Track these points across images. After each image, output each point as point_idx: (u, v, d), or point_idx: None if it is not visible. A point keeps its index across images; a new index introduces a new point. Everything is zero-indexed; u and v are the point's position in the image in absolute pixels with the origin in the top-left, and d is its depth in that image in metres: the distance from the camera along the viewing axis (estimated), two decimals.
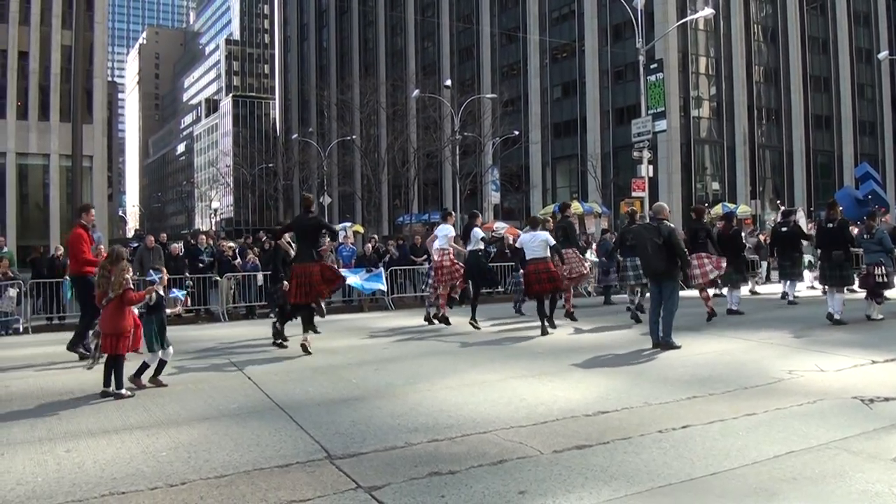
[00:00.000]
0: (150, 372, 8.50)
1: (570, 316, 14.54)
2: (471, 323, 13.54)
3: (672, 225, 11.01)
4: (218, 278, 18.06)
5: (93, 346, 9.52)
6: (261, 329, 13.93)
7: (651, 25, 52.24)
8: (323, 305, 11.94)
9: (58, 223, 36.29)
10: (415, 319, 15.21)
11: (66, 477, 5.26)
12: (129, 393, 8.06)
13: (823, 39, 70.27)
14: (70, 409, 7.48)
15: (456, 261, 13.85)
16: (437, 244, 14.02)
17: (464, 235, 14.12)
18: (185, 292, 17.65)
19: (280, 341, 11.93)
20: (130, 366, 8.36)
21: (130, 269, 8.47)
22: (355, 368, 9.58)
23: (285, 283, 11.87)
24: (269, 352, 11.47)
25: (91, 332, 10.36)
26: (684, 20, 46.86)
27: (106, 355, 8.16)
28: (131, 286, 8.31)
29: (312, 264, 11.06)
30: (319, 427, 6.45)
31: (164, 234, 22.88)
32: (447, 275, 13.73)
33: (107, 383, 8.08)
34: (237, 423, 6.78)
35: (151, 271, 9.06)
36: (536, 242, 13.01)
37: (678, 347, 10.32)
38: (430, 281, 14.68)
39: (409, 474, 5.13)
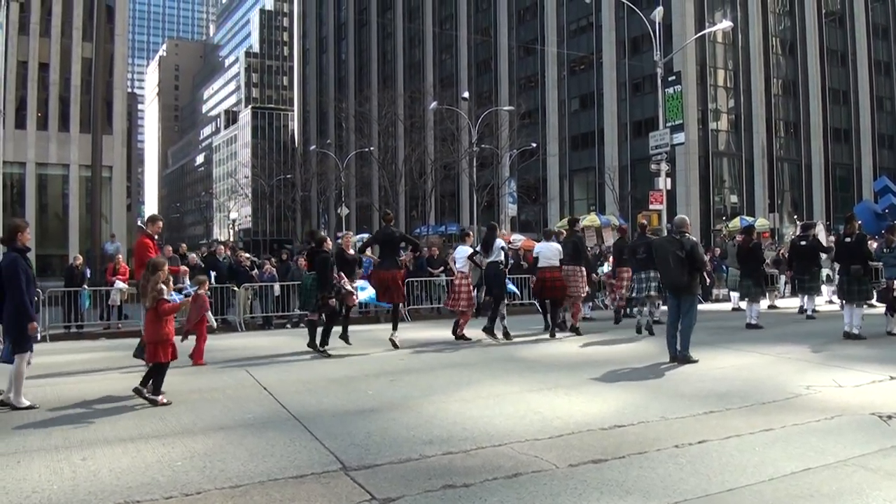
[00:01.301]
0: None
1: (574, 330, 14.46)
2: (484, 329, 13.65)
3: (694, 239, 10.96)
4: (236, 288, 18.13)
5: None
6: (277, 339, 13.98)
7: (669, 38, 52.13)
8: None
9: (77, 233, 36.65)
10: (431, 331, 15.21)
11: (82, 485, 5.28)
12: (164, 400, 8.15)
13: (842, 52, 69.91)
14: (86, 418, 7.52)
15: (470, 289, 14.00)
16: (458, 266, 14.27)
17: (484, 247, 14.04)
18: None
19: (324, 349, 12.27)
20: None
21: (166, 280, 8.64)
22: (371, 380, 9.59)
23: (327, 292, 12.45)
24: (285, 362, 11.51)
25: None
26: (702, 33, 46.79)
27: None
28: (165, 297, 8.42)
29: (395, 271, 12.85)
30: (334, 438, 6.45)
31: (184, 245, 23.05)
32: (465, 300, 13.84)
33: (154, 392, 8.20)
34: (252, 432, 6.79)
35: (187, 284, 9.24)
36: (551, 252, 13.40)
37: (695, 362, 10.27)
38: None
39: (424, 487, 5.12)
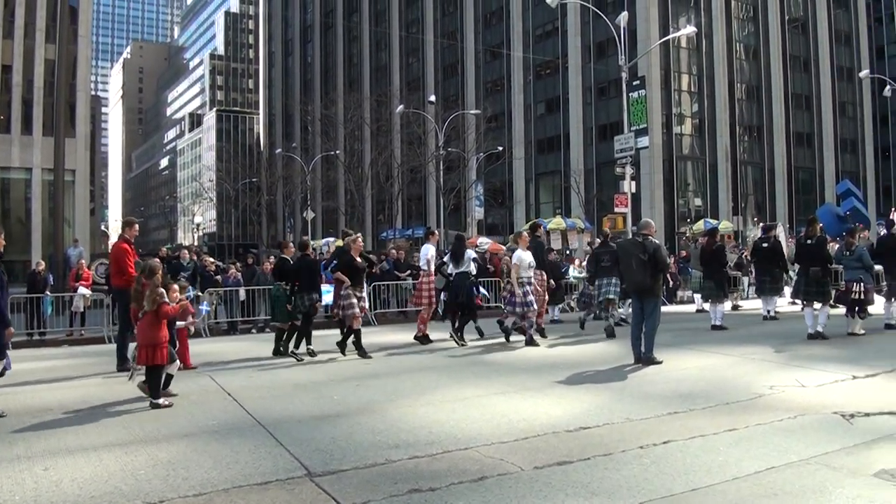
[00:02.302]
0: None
1: (540, 332, 14.46)
2: (451, 335, 13.63)
3: (657, 241, 11.04)
4: (199, 294, 17.95)
5: (130, 358, 9.57)
6: (242, 345, 13.87)
7: (634, 43, 52.67)
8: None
9: (40, 238, 36.10)
10: (398, 335, 15.17)
11: (44, 495, 5.19)
12: (166, 402, 8.17)
13: (805, 58, 71.00)
14: (49, 427, 7.39)
15: (432, 286, 13.95)
16: (422, 265, 14.27)
17: (454, 258, 14.02)
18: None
19: (296, 353, 12.24)
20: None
21: (167, 284, 8.70)
22: (336, 384, 9.53)
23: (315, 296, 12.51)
24: (250, 368, 11.41)
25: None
26: (667, 38, 47.32)
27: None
28: (166, 300, 8.46)
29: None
30: (299, 444, 6.40)
31: (164, 249, 22.88)
32: (425, 298, 13.86)
33: (155, 395, 8.22)
34: (217, 440, 6.72)
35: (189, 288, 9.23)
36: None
37: (660, 363, 10.34)
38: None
39: (389, 491, 5.10)
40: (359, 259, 12.55)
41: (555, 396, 8.35)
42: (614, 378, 9.53)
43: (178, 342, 10.83)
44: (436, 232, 15.12)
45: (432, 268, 13.93)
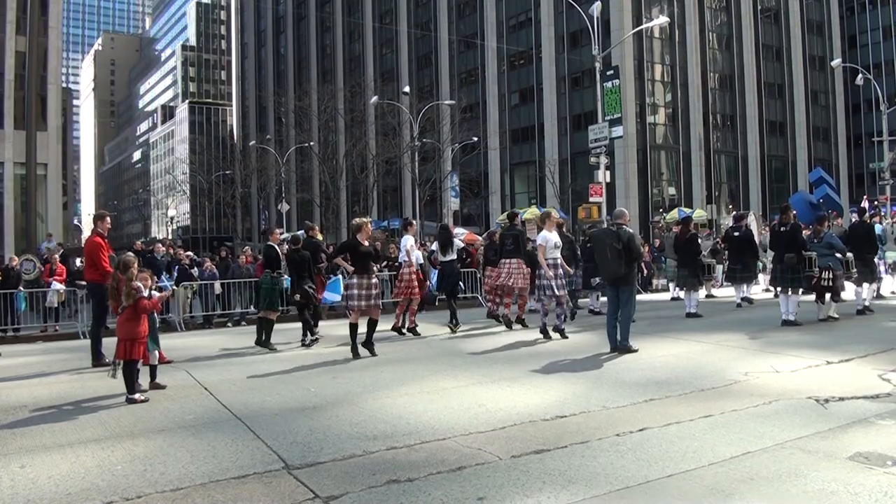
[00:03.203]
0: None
1: (521, 322, 14.54)
2: (449, 326, 13.97)
3: (631, 230, 11.09)
4: (175, 287, 17.83)
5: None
6: (218, 338, 13.80)
7: (607, 33, 52.83)
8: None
9: (12, 232, 35.64)
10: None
11: (21, 493, 5.14)
12: (142, 398, 8.12)
13: (777, 47, 71.51)
14: (24, 424, 7.32)
15: (413, 276, 13.89)
16: (401, 256, 14.18)
17: (443, 247, 14.41)
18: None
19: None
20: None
21: (140, 276, 8.58)
22: (314, 376, 9.52)
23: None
24: (226, 361, 11.37)
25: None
26: (640, 28, 47.38)
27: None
28: (144, 294, 8.41)
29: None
30: (277, 437, 6.39)
31: (139, 243, 22.79)
32: (406, 288, 13.79)
33: (131, 390, 8.17)
34: (193, 434, 6.69)
35: (164, 278, 9.20)
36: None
37: (635, 351, 10.40)
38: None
39: (368, 483, 5.10)
40: (365, 243, 11.63)
41: (532, 386, 8.39)
42: (591, 367, 9.58)
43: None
44: (413, 223, 15.09)
45: (412, 258, 13.90)
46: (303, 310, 12.93)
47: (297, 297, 12.79)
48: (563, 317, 12.85)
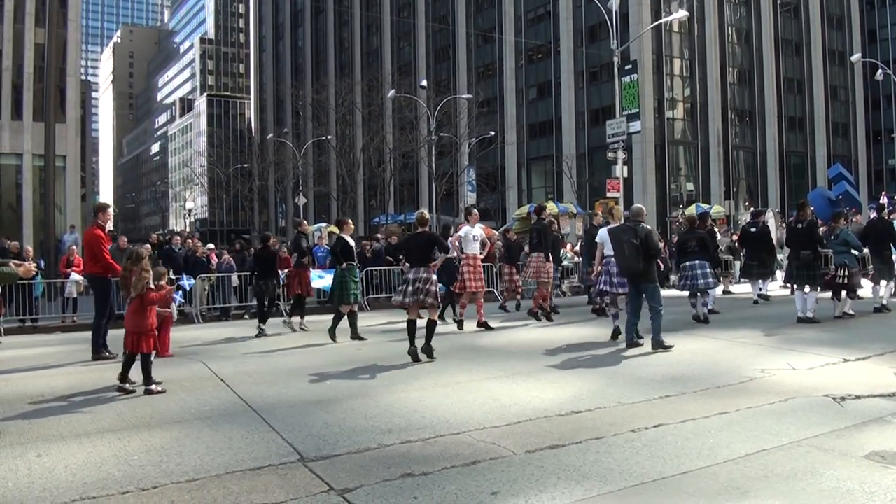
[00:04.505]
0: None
1: (546, 316, 14.51)
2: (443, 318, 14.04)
3: (649, 226, 11.05)
4: (192, 279, 17.92)
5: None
6: (235, 330, 13.89)
7: (626, 27, 52.50)
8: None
9: (31, 223, 35.85)
10: (389, 319, 15.18)
11: (37, 482, 5.19)
12: (159, 388, 8.18)
13: (797, 42, 70.98)
14: (41, 414, 7.39)
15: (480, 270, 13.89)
16: (468, 249, 13.79)
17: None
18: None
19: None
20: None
21: (151, 270, 8.63)
22: (328, 369, 9.54)
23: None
24: (242, 353, 11.42)
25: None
26: (659, 22, 47.16)
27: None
28: (152, 286, 8.46)
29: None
30: (292, 429, 6.42)
31: (155, 235, 22.91)
32: (473, 282, 13.63)
33: (122, 379, 8.23)
34: (209, 425, 6.73)
35: (184, 277, 9.26)
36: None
37: (669, 348, 10.20)
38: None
39: (382, 476, 5.11)
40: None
41: (547, 381, 8.38)
42: (607, 362, 9.56)
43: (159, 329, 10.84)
44: (475, 213, 14.74)
45: (468, 249, 13.76)
46: (262, 302, 13.95)
47: (265, 289, 13.85)
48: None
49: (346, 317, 12.36)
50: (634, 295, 10.86)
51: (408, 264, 11.23)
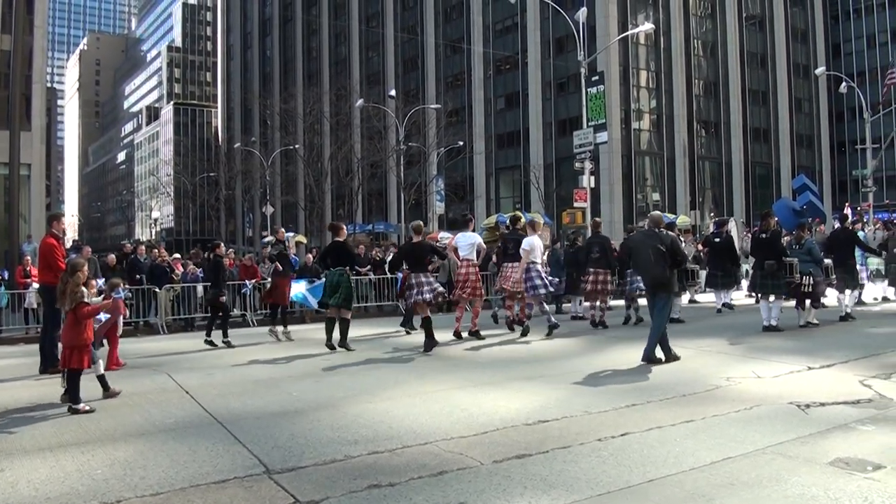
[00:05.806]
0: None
1: (519, 323, 14.45)
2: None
3: (673, 234, 10.97)
4: (157, 290, 17.74)
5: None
6: (200, 341, 13.74)
7: (593, 38, 52.95)
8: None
9: None
10: (358, 330, 15.10)
11: None
12: (87, 407, 7.81)
13: (762, 54, 71.98)
14: (4, 427, 7.26)
15: (478, 276, 13.77)
16: (462, 254, 13.61)
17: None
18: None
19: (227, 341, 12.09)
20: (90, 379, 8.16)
21: (86, 282, 8.39)
22: (296, 380, 9.49)
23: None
24: (208, 365, 11.31)
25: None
26: (625, 34, 47.56)
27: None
28: (86, 300, 8.15)
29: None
30: (258, 441, 6.37)
31: (128, 245, 22.81)
32: (471, 288, 13.45)
33: (74, 399, 7.87)
34: (174, 438, 6.66)
35: (119, 288, 9.08)
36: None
37: (660, 361, 10.00)
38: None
39: (349, 487, 5.09)
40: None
41: (514, 390, 8.39)
42: (574, 372, 9.56)
43: (106, 342, 10.67)
44: (472, 218, 14.79)
45: (472, 256, 13.62)
46: (215, 312, 13.94)
47: (223, 298, 13.87)
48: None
49: (338, 323, 12.38)
50: (653, 307, 10.43)
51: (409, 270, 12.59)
